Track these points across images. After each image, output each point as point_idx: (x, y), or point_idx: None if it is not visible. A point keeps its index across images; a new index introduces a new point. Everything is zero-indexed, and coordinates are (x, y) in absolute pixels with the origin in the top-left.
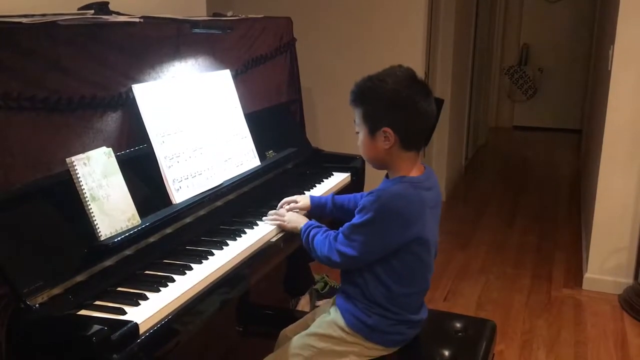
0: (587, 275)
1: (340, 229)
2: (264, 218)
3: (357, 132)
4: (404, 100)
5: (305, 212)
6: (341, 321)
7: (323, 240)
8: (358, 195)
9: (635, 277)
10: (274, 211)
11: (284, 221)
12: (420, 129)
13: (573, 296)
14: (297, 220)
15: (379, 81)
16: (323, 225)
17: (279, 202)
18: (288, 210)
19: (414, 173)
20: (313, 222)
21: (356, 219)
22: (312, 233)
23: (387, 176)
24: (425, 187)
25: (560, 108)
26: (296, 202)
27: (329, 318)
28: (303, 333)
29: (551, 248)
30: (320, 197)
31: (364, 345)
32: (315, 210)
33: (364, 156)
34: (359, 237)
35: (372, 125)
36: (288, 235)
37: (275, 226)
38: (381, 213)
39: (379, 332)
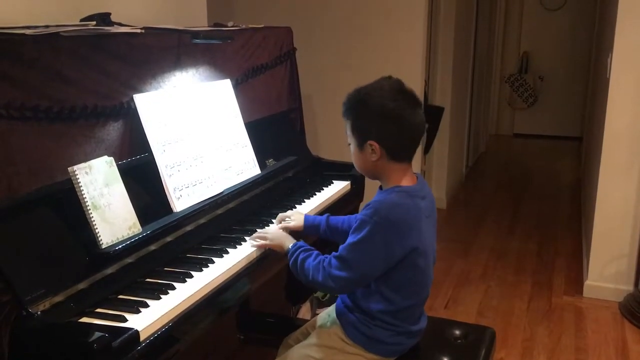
0: (588, 282)
1: (334, 252)
2: (247, 239)
3: (349, 144)
4: (389, 113)
5: (298, 231)
6: (341, 332)
7: (316, 266)
8: (352, 217)
9: (636, 284)
10: (257, 233)
11: (266, 237)
12: (408, 140)
13: (573, 303)
14: (282, 239)
15: (365, 94)
16: (313, 248)
17: (279, 210)
18: (279, 227)
19: (407, 183)
20: (302, 243)
21: (353, 237)
22: (301, 257)
23: (380, 187)
24: (420, 196)
25: (561, 115)
26: (290, 219)
27: (328, 328)
28: (302, 343)
29: (552, 255)
30: (314, 217)
31: (364, 356)
32: (309, 230)
33: (356, 167)
34: (359, 256)
35: (360, 139)
36: None
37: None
38: (380, 225)
39: (378, 342)
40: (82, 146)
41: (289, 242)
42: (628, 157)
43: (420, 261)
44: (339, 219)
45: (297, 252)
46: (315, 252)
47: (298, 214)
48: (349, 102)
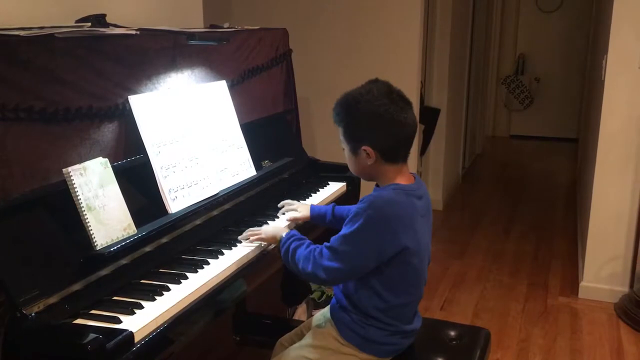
0: (583, 283)
1: (325, 243)
2: (240, 238)
3: (343, 149)
4: (380, 118)
5: (304, 221)
6: (335, 332)
7: (307, 256)
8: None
9: (631, 285)
10: (249, 230)
11: (260, 233)
12: (401, 141)
13: (569, 304)
14: (275, 230)
15: (354, 101)
16: (305, 238)
17: (275, 211)
18: (288, 219)
19: (404, 182)
20: (294, 232)
21: (346, 229)
22: (292, 246)
23: (377, 185)
24: (416, 195)
25: (557, 117)
26: (296, 210)
27: (323, 329)
28: (297, 344)
29: (547, 256)
30: (320, 207)
31: (358, 356)
32: (315, 220)
33: (351, 170)
34: (350, 248)
35: (353, 144)
36: None
37: (252, 244)
38: (374, 219)
39: (373, 343)
40: (76, 147)
41: (282, 232)
42: (623, 158)
43: (414, 260)
44: (344, 209)
45: (289, 241)
46: (308, 241)
47: (304, 205)
48: (339, 108)
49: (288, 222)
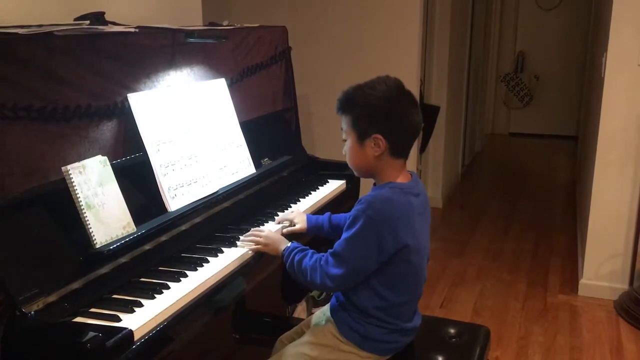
0: (583, 281)
1: (329, 250)
2: (241, 238)
3: (344, 140)
4: (395, 108)
5: (302, 233)
6: (335, 330)
7: (313, 266)
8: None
9: (630, 283)
10: (250, 232)
11: (260, 242)
12: (409, 137)
13: (568, 302)
14: (277, 242)
15: (369, 89)
16: (307, 248)
17: (274, 209)
18: (284, 232)
19: (401, 180)
20: (296, 244)
21: (347, 233)
22: (297, 258)
23: (374, 184)
24: (413, 193)
25: (556, 115)
26: (293, 220)
27: (322, 326)
28: (297, 342)
29: (547, 254)
30: (317, 218)
31: (358, 354)
32: (312, 231)
33: (350, 164)
34: (353, 251)
35: (362, 132)
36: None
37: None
38: (373, 219)
39: (372, 341)
40: (76, 146)
41: (283, 245)
42: (622, 155)
43: (413, 258)
44: (340, 217)
45: (293, 253)
46: (311, 251)
47: (300, 215)
48: (350, 96)
49: (282, 225)
